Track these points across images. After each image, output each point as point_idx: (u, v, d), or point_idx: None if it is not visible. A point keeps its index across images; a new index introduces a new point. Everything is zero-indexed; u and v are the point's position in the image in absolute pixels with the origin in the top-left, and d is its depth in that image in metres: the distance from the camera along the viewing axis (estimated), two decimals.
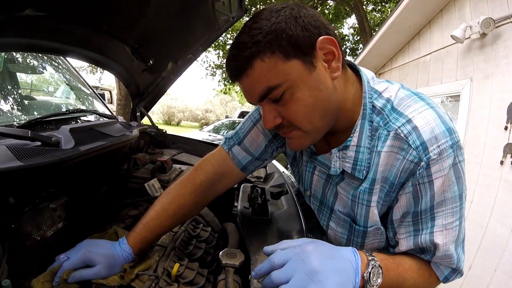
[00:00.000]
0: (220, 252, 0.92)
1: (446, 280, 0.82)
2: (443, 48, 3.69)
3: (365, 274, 0.66)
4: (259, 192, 1.33)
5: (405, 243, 0.79)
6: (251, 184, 1.42)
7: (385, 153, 0.74)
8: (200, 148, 2.19)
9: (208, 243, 1.15)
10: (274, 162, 1.97)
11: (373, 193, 0.78)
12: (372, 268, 0.67)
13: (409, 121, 0.72)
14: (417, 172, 0.70)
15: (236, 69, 0.71)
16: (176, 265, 0.89)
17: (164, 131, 2.28)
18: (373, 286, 0.67)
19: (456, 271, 0.81)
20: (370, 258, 0.69)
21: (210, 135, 7.78)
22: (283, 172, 1.74)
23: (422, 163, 0.69)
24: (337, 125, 0.82)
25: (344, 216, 0.88)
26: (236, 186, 1.49)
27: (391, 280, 0.72)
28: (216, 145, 2.27)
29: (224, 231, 1.36)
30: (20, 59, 1.80)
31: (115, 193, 1.47)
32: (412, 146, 0.70)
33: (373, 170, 0.77)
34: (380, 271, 0.68)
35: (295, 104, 0.71)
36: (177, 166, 1.74)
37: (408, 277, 0.76)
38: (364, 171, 0.78)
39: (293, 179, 1.65)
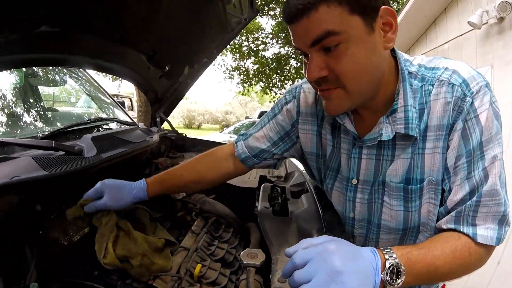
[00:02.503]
0: (241, 252, 0.92)
1: (499, 240, 0.76)
2: (461, 35, 3.59)
3: (382, 275, 0.64)
4: (279, 192, 1.33)
5: (460, 191, 0.78)
6: (271, 184, 1.42)
7: (433, 101, 0.79)
8: None
9: (230, 244, 1.15)
10: (294, 160, 1.96)
11: (427, 140, 0.81)
12: (390, 267, 0.65)
13: (446, 69, 0.79)
14: (465, 109, 0.75)
15: (298, 9, 0.70)
16: (198, 266, 0.91)
17: (184, 135, 2.31)
18: (393, 285, 0.64)
19: (503, 222, 0.77)
20: (387, 256, 0.66)
21: (230, 137, 7.82)
22: (303, 171, 1.73)
23: (467, 98, 0.75)
24: (378, 98, 0.83)
25: (397, 184, 0.87)
26: (256, 186, 1.50)
27: (419, 273, 0.69)
28: None
29: (247, 232, 1.37)
30: (40, 73, 1.87)
31: None
32: (456, 83, 0.76)
33: (423, 120, 0.81)
34: (401, 269, 0.65)
35: (348, 58, 0.71)
36: None
37: (441, 264, 0.71)
38: (416, 129, 0.80)
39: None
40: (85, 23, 1.13)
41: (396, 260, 0.66)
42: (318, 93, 0.82)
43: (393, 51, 0.84)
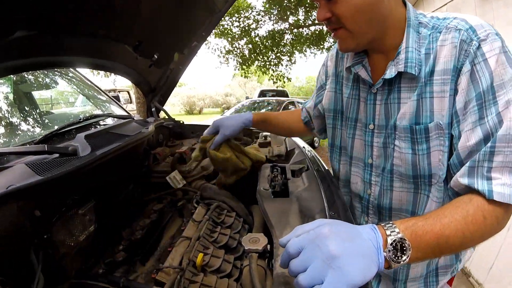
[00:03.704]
0: (243, 238, 0.92)
1: None
2: None
3: (384, 253, 0.61)
4: (279, 171, 1.32)
5: (472, 136, 0.76)
6: (271, 164, 1.40)
7: (440, 47, 0.84)
8: None
9: (233, 229, 1.15)
10: (295, 138, 1.95)
11: (434, 84, 0.85)
12: (392, 243, 0.61)
13: (455, 18, 0.84)
14: (471, 52, 0.77)
15: None
16: (200, 255, 0.91)
17: (181, 122, 2.29)
18: (399, 262, 0.61)
19: None
20: (388, 232, 0.63)
21: None
22: (303, 147, 1.71)
23: (474, 42, 0.77)
24: (387, 42, 0.92)
25: (405, 125, 0.91)
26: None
27: (428, 246, 0.65)
28: None
29: (251, 215, 1.37)
30: (32, 79, 1.85)
31: (141, 189, 1.51)
32: (463, 29, 0.80)
33: (429, 64, 0.85)
34: (406, 244, 0.62)
35: (344, 2, 0.82)
36: None
37: (452, 233, 0.66)
38: (415, 68, 0.86)
39: (313, 153, 1.62)
40: (62, 22, 1.10)
41: (399, 235, 0.62)
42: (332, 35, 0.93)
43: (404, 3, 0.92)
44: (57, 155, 1.08)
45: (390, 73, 0.90)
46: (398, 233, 0.63)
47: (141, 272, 0.98)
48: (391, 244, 0.61)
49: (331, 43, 12.05)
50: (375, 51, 0.96)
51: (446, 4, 3.71)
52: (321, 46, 12.25)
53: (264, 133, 1.97)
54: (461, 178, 0.77)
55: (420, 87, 0.87)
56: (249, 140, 2.04)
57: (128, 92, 11.50)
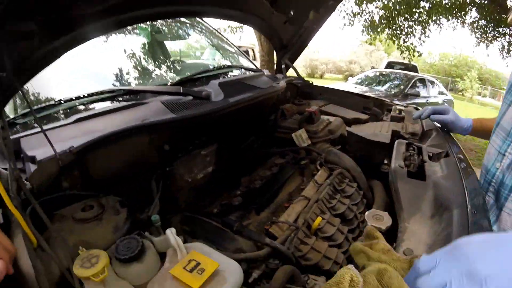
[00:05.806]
0: (366, 213, 0.83)
1: None
2: None
3: None
4: (416, 151, 1.16)
5: None
6: (407, 142, 1.24)
7: None
8: (347, 99, 2.05)
9: (352, 200, 1.07)
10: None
11: None
12: None
13: None
14: None
15: None
16: (318, 219, 0.87)
17: (310, 82, 2.23)
18: None
19: None
20: None
21: (355, 87, 7.34)
22: (445, 130, 1.47)
23: None
24: None
25: None
26: (388, 142, 1.33)
27: None
28: (366, 97, 2.10)
29: (370, 190, 1.26)
30: (166, 29, 1.98)
31: (263, 142, 1.52)
32: None
33: None
34: None
35: None
36: (325, 117, 1.66)
37: None
38: None
39: (455, 140, 1.38)
40: None
41: None
42: None
43: None
44: (190, 97, 1.14)
45: None
46: None
47: (254, 220, 0.97)
48: None
49: (472, 17, 10.21)
50: None
51: None
52: (462, 19, 10.46)
53: (398, 107, 1.77)
54: None
55: None
56: (379, 112, 1.86)
57: (253, 50, 11.82)
